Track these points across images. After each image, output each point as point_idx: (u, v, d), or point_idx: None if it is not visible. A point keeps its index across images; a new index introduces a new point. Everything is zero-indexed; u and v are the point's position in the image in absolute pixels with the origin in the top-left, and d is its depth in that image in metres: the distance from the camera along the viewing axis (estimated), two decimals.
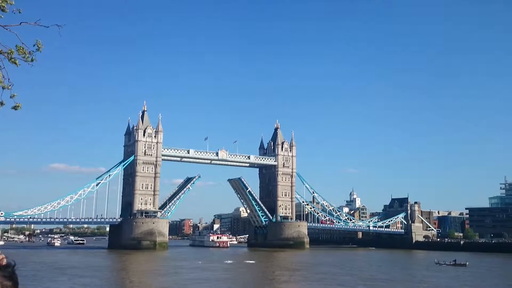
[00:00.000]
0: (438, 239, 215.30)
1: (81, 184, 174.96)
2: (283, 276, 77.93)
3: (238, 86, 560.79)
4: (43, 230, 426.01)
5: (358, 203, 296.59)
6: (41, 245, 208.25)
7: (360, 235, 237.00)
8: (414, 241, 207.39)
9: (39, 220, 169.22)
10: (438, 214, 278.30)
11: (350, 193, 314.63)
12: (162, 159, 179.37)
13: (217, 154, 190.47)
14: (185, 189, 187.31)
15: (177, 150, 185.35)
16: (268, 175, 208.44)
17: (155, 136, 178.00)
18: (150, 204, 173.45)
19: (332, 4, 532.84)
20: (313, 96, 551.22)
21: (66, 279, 68.36)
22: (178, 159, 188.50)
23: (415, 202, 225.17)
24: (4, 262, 4.30)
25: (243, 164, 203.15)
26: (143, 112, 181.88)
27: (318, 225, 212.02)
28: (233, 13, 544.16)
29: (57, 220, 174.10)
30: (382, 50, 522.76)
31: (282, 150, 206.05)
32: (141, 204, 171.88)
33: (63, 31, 9.16)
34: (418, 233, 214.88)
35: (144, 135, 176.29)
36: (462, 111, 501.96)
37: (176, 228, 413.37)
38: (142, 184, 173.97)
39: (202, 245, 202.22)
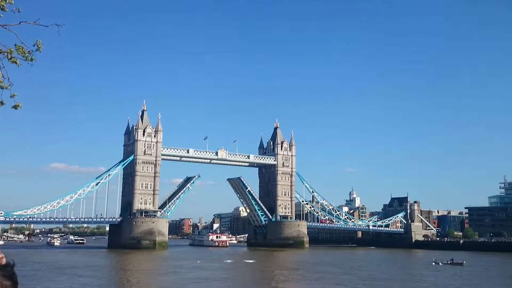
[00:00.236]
0: (438, 239, 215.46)
1: (80, 183, 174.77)
2: (282, 276, 77.95)
3: (238, 86, 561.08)
4: (43, 229, 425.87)
5: (357, 203, 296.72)
6: (40, 245, 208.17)
7: (359, 234, 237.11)
8: (413, 240, 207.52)
9: (38, 219, 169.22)
10: (438, 213, 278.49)
11: (350, 192, 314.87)
12: (162, 159, 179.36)
13: (216, 153, 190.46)
14: (184, 188, 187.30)
15: (177, 150, 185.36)
16: (267, 175, 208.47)
17: (154, 136, 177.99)
18: (149, 204, 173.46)
19: (331, 4, 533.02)
20: (312, 95, 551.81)
21: (66, 279, 68.36)
22: (178, 158, 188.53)
23: (415, 202, 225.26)
24: (4, 261, 4.31)
25: (243, 164, 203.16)
26: (142, 112, 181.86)
27: (318, 224, 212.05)
28: (233, 13, 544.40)
29: (56, 219, 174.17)
30: (382, 50, 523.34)
31: (281, 149, 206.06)
32: (140, 203, 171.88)
33: (63, 30, 9.17)
34: (418, 233, 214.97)
35: (143, 134, 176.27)
36: (461, 111, 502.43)
37: (175, 228, 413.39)
38: (142, 184, 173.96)
39: (201, 245, 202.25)
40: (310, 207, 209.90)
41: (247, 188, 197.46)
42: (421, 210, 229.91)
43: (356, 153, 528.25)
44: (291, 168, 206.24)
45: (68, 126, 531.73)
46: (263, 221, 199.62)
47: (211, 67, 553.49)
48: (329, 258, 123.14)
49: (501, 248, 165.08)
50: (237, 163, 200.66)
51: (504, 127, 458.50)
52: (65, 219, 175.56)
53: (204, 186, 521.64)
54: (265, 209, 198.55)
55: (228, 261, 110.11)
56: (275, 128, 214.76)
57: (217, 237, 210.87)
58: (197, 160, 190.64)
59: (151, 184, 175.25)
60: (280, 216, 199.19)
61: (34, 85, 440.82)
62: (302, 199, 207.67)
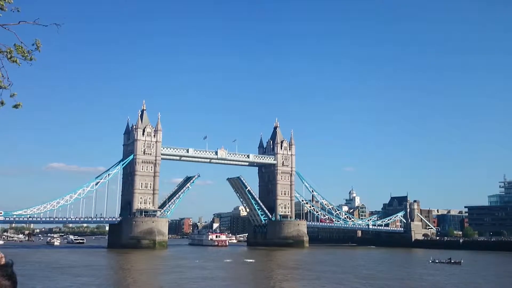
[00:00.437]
0: (438, 238, 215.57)
1: (80, 183, 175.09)
2: (282, 275, 78.06)
3: (238, 85, 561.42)
4: (43, 229, 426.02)
5: (357, 202, 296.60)
6: (40, 245, 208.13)
7: (359, 233, 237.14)
8: (413, 239, 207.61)
9: (38, 219, 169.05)
10: (438, 212, 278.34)
11: (350, 191, 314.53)
12: (162, 158, 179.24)
13: (216, 153, 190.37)
14: (184, 188, 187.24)
15: (177, 149, 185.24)
16: (267, 174, 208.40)
17: (154, 135, 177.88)
18: (149, 203, 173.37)
19: (331, 4, 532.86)
20: (312, 95, 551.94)
21: (65, 278, 68.36)
22: (178, 158, 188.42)
23: (415, 201, 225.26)
24: (3, 261, 4.30)
25: (243, 163, 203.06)
26: (142, 111, 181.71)
27: (318, 223, 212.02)
28: (233, 12, 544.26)
29: (56, 219, 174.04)
30: (382, 49, 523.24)
31: (281, 149, 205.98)
32: (140, 203, 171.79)
33: (62, 30, 9.17)
34: (418, 232, 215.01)
35: (143, 134, 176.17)
36: (461, 110, 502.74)
37: (175, 227, 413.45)
38: (142, 183, 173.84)
39: (201, 244, 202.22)
40: (310, 207, 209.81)
41: (246, 188, 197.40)
42: (420, 209, 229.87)
43: (356, 152, 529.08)
44: (291, 168, 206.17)
45: (67, 126, 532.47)
46: (263, 220, 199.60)
47: (210, 66, 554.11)
48: (328, 258, 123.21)
49: (501, 247, 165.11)
50: (236, 163, 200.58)
51: (504, 126, 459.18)
52: (64, 219, 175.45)
53: (203, 185, 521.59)
54: (264, 209, 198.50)
55: (228, 260, 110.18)
56: (275, 128, 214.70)
57: (216, 236, 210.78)
58: (196, 159, 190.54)
59: (150, 184, 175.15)
60: (280, 215, 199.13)
61: (33, 85, 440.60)
62: (302, 199, 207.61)
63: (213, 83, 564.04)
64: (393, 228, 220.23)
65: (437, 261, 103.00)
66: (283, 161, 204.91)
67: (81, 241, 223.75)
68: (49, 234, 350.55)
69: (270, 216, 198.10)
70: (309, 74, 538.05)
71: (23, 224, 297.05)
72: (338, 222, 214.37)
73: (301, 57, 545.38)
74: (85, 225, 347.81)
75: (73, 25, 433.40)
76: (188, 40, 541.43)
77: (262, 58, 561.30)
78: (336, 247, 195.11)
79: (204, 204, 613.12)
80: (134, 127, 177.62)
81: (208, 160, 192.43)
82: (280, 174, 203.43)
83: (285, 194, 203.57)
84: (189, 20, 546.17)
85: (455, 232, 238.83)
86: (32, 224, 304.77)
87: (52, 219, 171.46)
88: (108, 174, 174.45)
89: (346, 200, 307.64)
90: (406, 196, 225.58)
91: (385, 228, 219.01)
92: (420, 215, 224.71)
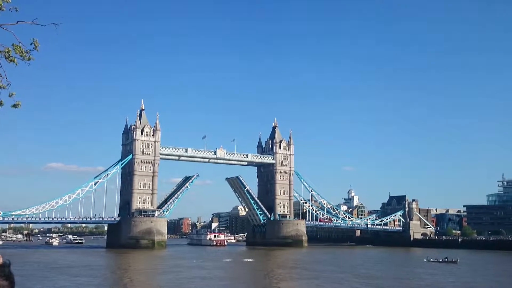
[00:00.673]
0: (436, 237, 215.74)
1: (79, 183, 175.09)
2: (280, 274, 78.20)
3: (236, 85, 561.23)
4: (41, 229, 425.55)
5: (356, 201, 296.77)
6: (39, 245, 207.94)
7: (358, 233, 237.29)
8: (412, 238, 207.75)
9: (37, 219, 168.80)
10: (436, 211, 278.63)
11: (348, 191, 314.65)
12: (160, 158, 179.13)
13: (215, 152, 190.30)
14: (183, 188, 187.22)
15: (175, 149, 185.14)
16: (266, 174, 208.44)
17: (153, 135, 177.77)
18: (148, 203, 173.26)
19: (331, 4, 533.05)
20: (311, 94, 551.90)
21: (64, 279, 68.31)
22: (176, 158, 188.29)
23: (413, 200, 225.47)
24: (0, 261, 4.29)
25: (241, 163, 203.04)
26: (140, 111, 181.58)
27: (316, 223, 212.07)
28: (232, 12, 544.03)
29: (55, 219, 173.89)
30: (382, 49, 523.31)
31: (280, 148, 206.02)
32: (139, 203, 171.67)
33: (60, 30, 9.16)
34: (416, 231, 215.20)
35: (142, 134, 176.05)
36: (460, 110, 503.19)
37: (174, 227, 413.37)
38: (140, 183, 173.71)
39: (199, 244, 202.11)
40: (309, 206, 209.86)
41: (245, 187, 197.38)
42: (419, 209, 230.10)
43: (355, 151, 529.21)
44: (290, 167, 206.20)
45: (66, 126, 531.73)
46: (261, 220, 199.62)
47: (209, 66, 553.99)
48: (327, 257, 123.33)
49: (500, 246, 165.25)
50: (235, 162, 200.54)
51: (503, 126, 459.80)
52: (63, 219, 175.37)
53: (202, 185, 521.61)
54: (263, 208, 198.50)
55: (227, 260, 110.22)
56: (274, 127, 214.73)
57: (215, 236, 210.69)
58: (195, 159, 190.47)
59: (149, 184, 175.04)
60: (279, 215, 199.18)
61: (30, 84, 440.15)
62: (301, 198, 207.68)
63: (212, 83, 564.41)
64: (392, 228, 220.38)
65: (433, 260, 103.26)
66: (282, 161, 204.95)
67: (80, 241, 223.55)
68: (47, 234, 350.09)
69: (269, 215, 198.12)
70: (309, 74, 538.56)
71: (21, 224, 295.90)
72: (337, 222, 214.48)
73: (301, 57, 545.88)
74: (83, 225, 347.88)
75: (72, 25, 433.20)
76: (187, 40, 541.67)
77: (261, 58, 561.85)
78: (334, 246, 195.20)
79: (203, 204, 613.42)
80: (132, 127, 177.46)
81: (207, 160, 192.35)
82: (279, 174, 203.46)
83: (284, 193, 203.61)
84: (188, 20, 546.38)
85: (453, 231, 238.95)
86: (30, 224, 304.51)
87: (50, 219, 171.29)
88: (107, 174, 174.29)
89: (345, 199, 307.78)
90: (405, 196, 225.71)
91: (383, 227, 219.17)
92: (418, 215, 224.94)
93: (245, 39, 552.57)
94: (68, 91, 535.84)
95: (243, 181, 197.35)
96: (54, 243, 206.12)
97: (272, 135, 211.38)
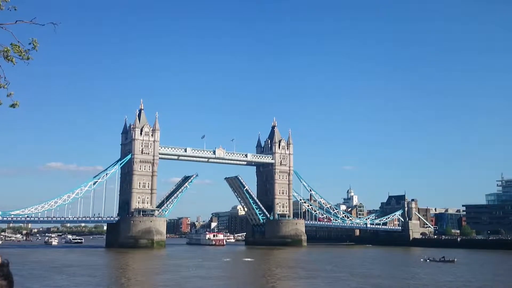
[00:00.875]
0: (435, 236, 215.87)
1: (78, 182, 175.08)
2: (279, 274, 78.27)
3: (235, 84, 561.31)
4: (41, 229, 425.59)
5: (355, 201, 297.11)
6: (38, 244, 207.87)
7: (357, 232, 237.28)
8: (411, 238, 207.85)
9: (36, 219, 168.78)
10: (435, 211, 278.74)
11: (348, 190, 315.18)
12: (159, 158, 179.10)
13: (214, 152, 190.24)
14: (182, 187, 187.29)
15: (174, 149, 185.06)
16: (265, 173, 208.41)
17: (152, 135, 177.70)
18: (147, 203, 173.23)
19: (331, 4, 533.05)
20: (310, 94, 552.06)
21: (63, 278, 68.26)
22: (175, 157, 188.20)
23: (412, 200, 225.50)
24: None
25: (241, 162, 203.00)
26: (140, 111, 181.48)
27: (316, 222, 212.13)
28: (230, 12, 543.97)
29: (54, 219, 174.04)
30: (381, 49, 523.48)
31: (279, 148, 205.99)
32: (138, 202, 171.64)
33: (59, 29, 9.14)
34: (415, 230, 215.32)
35: (141, 133, 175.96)
36: (459, 109, 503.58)
37: (173, 227, 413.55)
38: (140, 183, 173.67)
39: (198, 243, 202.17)
40: (308, 206, 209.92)
41: (244, 187, 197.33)
42: (418, 208, 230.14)
43: (354, 151, 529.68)
44: (289, 167, 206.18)
45: (65, 125, 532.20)
46: (261, 219, 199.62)
47: (209, 66, 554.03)
48: (326, 256, 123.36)
49: (499, 245, 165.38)
50: (234, 162, 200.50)
51: (502, 125, 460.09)
52: (62, 219, 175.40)
53: (202, 185, 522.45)
54: (263, 208, 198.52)
55: (226, 259, 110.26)
56: (273, 127, 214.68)
57: (214, 235, 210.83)
58: (194, 159, 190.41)
59: (148, 183, 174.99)
60: (278, 214, 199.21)
61: (30, 84, 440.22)
62: (300, 198, 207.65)
63: (211, 83, 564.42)
64: (391, 227, 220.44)
65: (430, 259, 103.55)
66: (281, 160, 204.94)
67: (79, 240, 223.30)
68: (47, 234, 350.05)
69: (268, 215, 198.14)
70: (309, 73, 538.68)
71: (21, 224, 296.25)
72: (336, 221, 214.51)
73: (301, 57, 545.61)
74: (83, 224, 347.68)
75: (72, 24, 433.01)
76: (187, 40, 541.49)
77: (261, 57, 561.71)
78: (334, 246, 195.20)
79: (202, 204, 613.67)
80: (132, 126, 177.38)
81: (206, 159, 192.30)
82: (278, 173, 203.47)
83: (283, 193, 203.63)
84: (187, 20, 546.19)
85: (453, 230, 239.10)
86: (30, 224, 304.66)
87: (50, 218, 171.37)
88: (106, 174, 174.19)
89: (344, 199, 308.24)
90: (404, 195, 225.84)
91: (383, 227, 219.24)
92: (418, 214, 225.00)
93: (244, 38, 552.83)
94: (67, 90, 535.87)
95: (242, 180, 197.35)
96: (53, 243, 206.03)
97: (271, 135, 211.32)
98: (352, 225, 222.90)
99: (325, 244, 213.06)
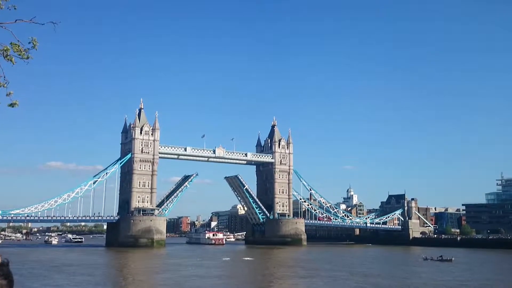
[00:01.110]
0: (435, 236, 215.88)
1: (78, 182, 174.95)
2: (278, 273, 78.39)
3: (235, 84, 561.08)
4: (40, 228, 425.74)
5: (355, 200, 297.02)
6: (38, 244, 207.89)
7: (357, 231, 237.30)
8: (411, 237, 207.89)
9: (36, 218, 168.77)
10: (435, 210, 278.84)
11: (347, 190, 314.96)
12: (159, 157, 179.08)
13: (214, 151, 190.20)
14: (182, 187, 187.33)
15: (174, 148, 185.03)
16: (265, 173, 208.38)
17: (152, 134, 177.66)
18: (147, 202, 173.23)
19: (331, 4, 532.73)
20: (310, 93, 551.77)
21: (63, 277, 68.29)
22: (175, 156, 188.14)
23: (412, 199, 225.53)
24: None
25: (240, 162, 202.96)
26: (139, 110, 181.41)
27: (316, 222, 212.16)
28: (230, 12, 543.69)
29: (54, 218, 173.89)
30: (381, 49, 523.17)
31: (279, 147, 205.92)
32: (138, 202, 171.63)
33: (59, 28, 9.14)
34: (415, 230, 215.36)
35: (141, 133, 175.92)
36: (459, 109, 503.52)
37: (173, 226, 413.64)
38: (139, 182, 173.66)
39: (198, 243, 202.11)
40: (308, 205, 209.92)
41: (244, 186, 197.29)
42: (418, 207, 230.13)
43: (354, 150, 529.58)
44: (289, 166, 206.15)
45: (65, 124, 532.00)
46: (261, 219, 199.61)
47: (209, 65, 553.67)
48: (325, 256, 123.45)
49: (498, 245, 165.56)
50: (234, 161, 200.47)
51: (502, 125, 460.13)
52: (62, 218, 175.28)
53: (202, 184, 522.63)
54: (262, 207, 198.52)
55: (226, 258, 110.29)
56: (273, 126, 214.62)
57: (213, 235, 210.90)
58: (194, 158, 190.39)
59: (148, 183, 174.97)
60: (278, 214, 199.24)
61: (30, 83, 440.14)
62: (300, 197, 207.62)
63: (211, 82, 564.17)
64: (391, 226, 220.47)
65: (428, 258, 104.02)
66: (281, 160, 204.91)
67: (79, 240, 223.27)
68: (47, 233, 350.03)
69: (268, 214, 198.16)
70: (309, 73, 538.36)
71: (20, 223, 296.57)
72: (336, 220, 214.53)
73: (301, 57, 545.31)
74: (83, 224, 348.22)
75: (71, 24, 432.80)
76: (187, 39, 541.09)
77: (261, 57, 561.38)
78: (333, 245, 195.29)
79: (202, 203, 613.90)
80: (131, 125, 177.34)
81: (206, 158, 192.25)
82: (278, 173, 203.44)
83: (283, 192, 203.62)
84: (187, 20, 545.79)
85: (452, 230, 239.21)
86: (30, 223, 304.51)
87: (50, 218, 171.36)
88: (106, 173, 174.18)
89: (344, 198, 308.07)
90: (404, 194, 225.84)
91: (382, 226, 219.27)
92: (417, 213, 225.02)
93: (245, 38, 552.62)
94: (67, 89, 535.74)
95: (242, 180, 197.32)
96: (53, 242, 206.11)
97: (271, 134, 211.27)
98: (352, 224, 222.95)
99: (325, 243, 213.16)
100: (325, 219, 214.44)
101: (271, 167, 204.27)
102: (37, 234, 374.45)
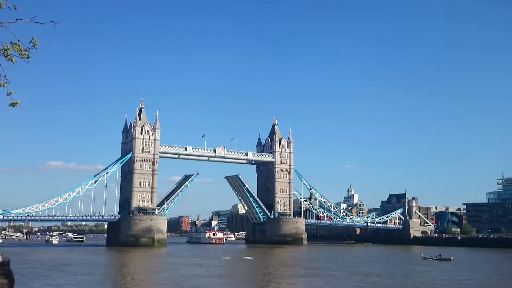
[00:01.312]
0: (436, 235, 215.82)
1: (78, 181, 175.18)
2: (278, 272, 78.43)
3: (235, 83, 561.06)
4: (41, 227, 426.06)
5: (355, 199, 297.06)
6: (39, 243, 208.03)
7: (358, 231, 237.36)
8: (411, 236, 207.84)
9: (37, 217, 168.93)
10: (436, 209, 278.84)
11: (348, 189, 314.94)
12: (160, 157, 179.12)
13: (214, 151, 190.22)
14: (183, 186, 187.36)
15: (175, 147, 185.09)
16: (265, 172, 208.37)
17: (152, 134, 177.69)
18: (148, 201, 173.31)
19: (331, 4, 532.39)
20: (310, 93, 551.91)
21: (64, 277, 68.33)
22: (176, 156, 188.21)
23: (413, 198, 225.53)
24: (0, 259, 4.29)
25: (241, 161, 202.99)
26: (140, 110, 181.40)
27: (316, 221, 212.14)
28: (230, 12, 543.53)
29: (55, 217, 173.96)
30: (381, 49, 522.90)
31: (279, 146, 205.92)
32: (139, 201, 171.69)
33: (59, 28, 9.14)
34: (416, 229, 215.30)
35: (141, 132, 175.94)
36: (459, 108, 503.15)
37: (174, 225, 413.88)
38: (140, 182, 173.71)
39: (198, 242, 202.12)
40: (309, 204, 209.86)
41: (245, 186, 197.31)
42: (419, 207, 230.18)
43: (354, 150, 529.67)
44: (289, 165, 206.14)
45: (65, 124, 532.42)
46: (261, 218, 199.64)
47: (208, 65, 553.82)
48: (326, 255, 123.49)
49: (499, 244, 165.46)
50: (235, 161, 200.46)
51: (502, 125, 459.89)
52: (63, 217, 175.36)
53: (202, 183, 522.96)
54: (263, 207, 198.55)
55: (226, 258, 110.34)
56: (273, 125, 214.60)
57: (214, 234, 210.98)
58: (195, 157, 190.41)
59: (149, 182, 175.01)
60: (279, 213, 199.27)
61: (30, 83, 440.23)
62: (300, 196, 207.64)
63: (211, 82, 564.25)
64: (392, 226, 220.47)
65: (427, 257, 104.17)
66: (281, 159, 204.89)
67: (80, 239, 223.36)
68: (47, 233, 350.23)
69: (269, 214, 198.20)
70: (309, 73, 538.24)
71: (21, 223, 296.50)
72: (337, 220, 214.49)
73: (301, 57, 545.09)
74: (83, 223, 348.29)
75: (72, 23, 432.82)
76: (187, 39, 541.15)
77: (261, 56, 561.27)
78: (334, 244, 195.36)
79: (203, 202, 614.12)
80: (132, 125, 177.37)
81: (207, 158, 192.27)
82: (278, 172, 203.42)
83: (283, 192, 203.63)
84: (187, 20, 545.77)
85: (453, 229, 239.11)
86: (30, 223, 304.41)
87: (50, 217, 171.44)
88: (107, 173, 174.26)
89: (344, 197, 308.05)
90: (405, 194, 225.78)
91: (383, 225, 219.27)
92: (418, 213, 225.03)
93: (245, 38, 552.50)
94: (67, 89, 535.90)
95: (242, 179, 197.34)
96: (54, 241, 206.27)
97: (272, 134, 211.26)
98: (353, 223, 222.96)
99: (326, 242, 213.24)
100: (325, 218, 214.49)
101: (271, 166, 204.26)
102: (38, 233, 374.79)
